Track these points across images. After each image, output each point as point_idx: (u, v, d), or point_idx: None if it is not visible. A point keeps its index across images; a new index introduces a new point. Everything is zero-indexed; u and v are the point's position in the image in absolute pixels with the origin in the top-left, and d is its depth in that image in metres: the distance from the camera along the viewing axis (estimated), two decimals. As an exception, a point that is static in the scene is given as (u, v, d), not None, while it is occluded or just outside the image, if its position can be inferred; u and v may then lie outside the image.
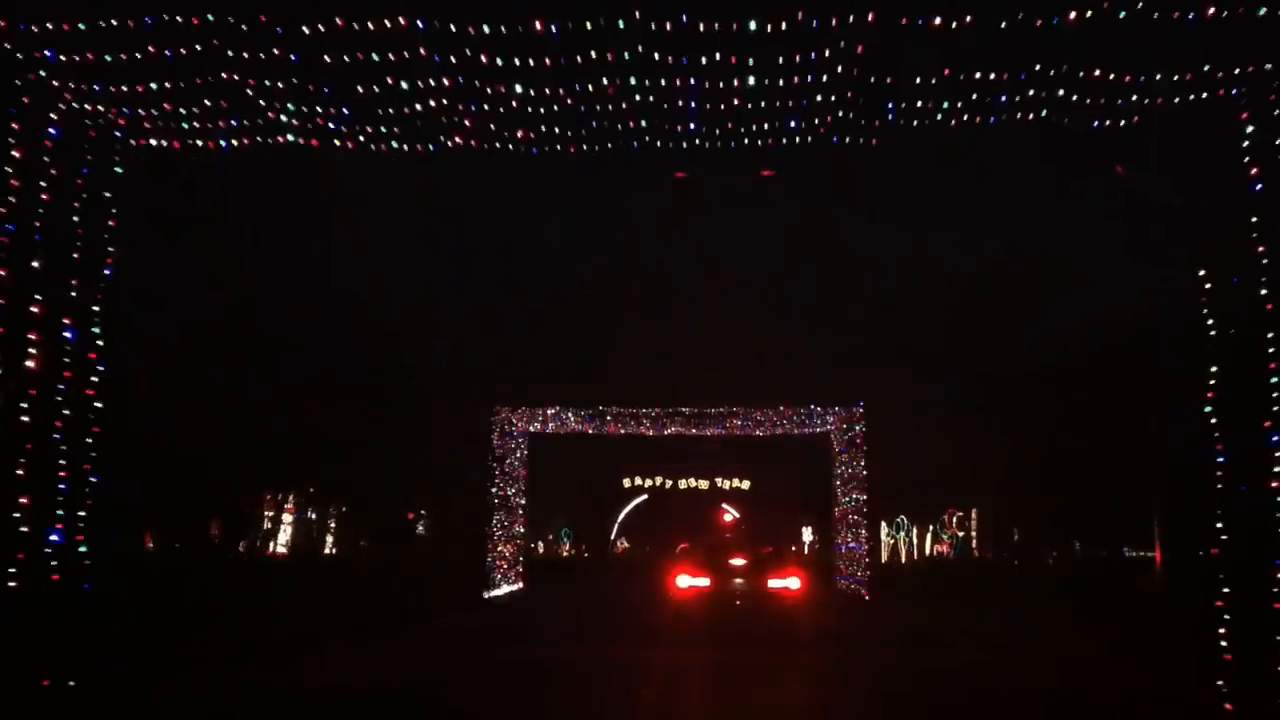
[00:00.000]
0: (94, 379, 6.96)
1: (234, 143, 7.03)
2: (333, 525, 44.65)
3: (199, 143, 7.02)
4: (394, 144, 7.12)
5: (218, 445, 29.20)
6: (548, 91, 6.42)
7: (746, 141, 7.05)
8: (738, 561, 15.78)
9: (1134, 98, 6.30)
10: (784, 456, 40.79)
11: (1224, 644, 6.74)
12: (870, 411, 22.58)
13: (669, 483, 51.18)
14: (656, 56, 5.98)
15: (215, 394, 27.65)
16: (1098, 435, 24.12)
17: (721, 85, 6.31)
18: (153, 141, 7.03)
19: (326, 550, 43.74)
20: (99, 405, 7.00)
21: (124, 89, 6.31)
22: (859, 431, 23.07)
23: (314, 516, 43.61)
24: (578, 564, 50.96)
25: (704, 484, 50.60)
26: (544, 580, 30.73)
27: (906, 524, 51.69)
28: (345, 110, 6.59)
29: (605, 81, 6.27)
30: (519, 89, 6.38)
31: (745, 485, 51.57)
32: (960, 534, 48.28)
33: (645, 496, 53.75)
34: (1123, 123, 6.65)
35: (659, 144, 7.17)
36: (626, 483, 52.32)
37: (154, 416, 27.28)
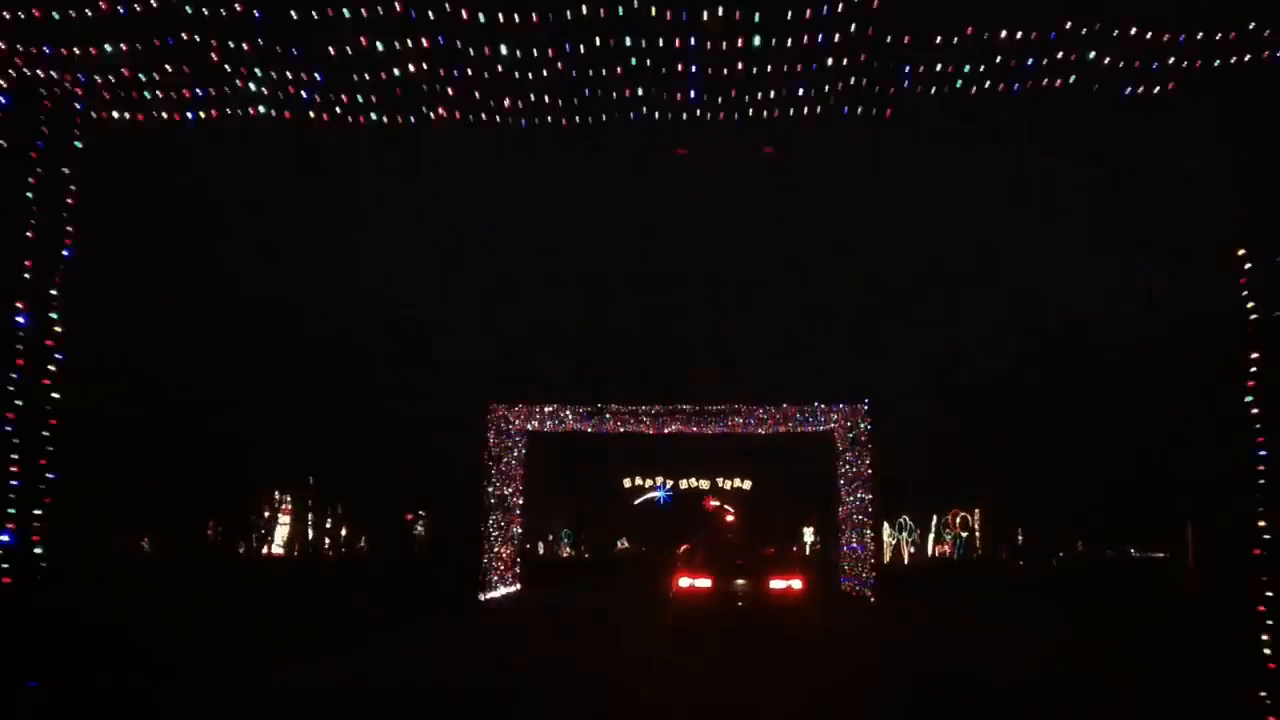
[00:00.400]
0: (51, 368, 6.51)
1: (200, 114, 6.48)
2: (329, 525, 44.27)
3: (163, 114, 6.49)
4: (372, 115, 6.57)
5: (215, 447, 28.75)
6: (535, 53, 5.94)
7: (751, 111, 6.51)
8: (739, 562, 15.53)
9: (1171, 60, 5.78)
10: (786, 456, 40.41)
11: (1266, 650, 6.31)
12: (876, 409, 22.21)
13: (669, 482, 50.80)
14: (653, 11, 5.51)
15: (212, 394, 27.17)
16: (1113, 432, 23.65)
17: (725, 46, 5.80)
18: (114, 114, 6.50)
19: (323, 551, 43.35)
20: (56, 396, 6.56)
21: (78, 51, 5.77)
22: (864, 429, 22.73)
23: (311, 517, 43.24)
24: (578, 564, 50.63)
25: (705, 484, 50.23)
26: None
27: (909, 524, 51.26)
28: (318, 76, 6.09)
29: (599, 41, 5.81)
30: (504, 50, 5.90)
31: (746, 485, 51.21)
32: (964, 534, 47.81)
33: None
34: (1157, 89, 6.16)
35: (657, 114, 6.66)
36: (627, 483, 51.93)
37: (148, 417, 26.81)
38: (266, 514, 41.08)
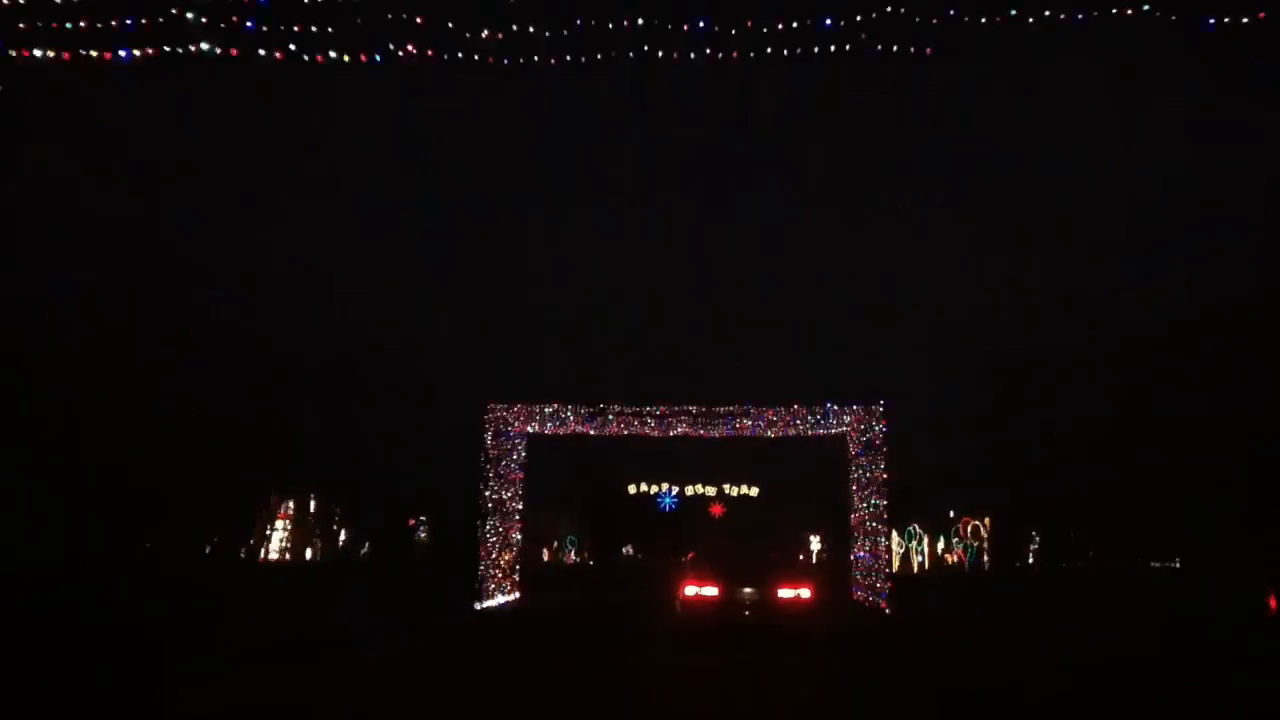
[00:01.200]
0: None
1: (135, 52, 5.64)
2: (323, 533, 43.95)
3: (92, 53, 5.70)
4: (331, 53, 5.78)
5: (213, 455, 28.43)
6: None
7: (769, 49, 5.88)
8: (747, 570, 15.14)
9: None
10: (793, 463, 39.86)
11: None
12: (892, 409, 20.75)
13: (674, 488, 50.33)
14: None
15: (208, 401, 26.90)
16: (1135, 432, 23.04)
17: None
18: (37, 52, 5.69)
19: (320, 556, 42.96)
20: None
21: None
22: (878, 432, 21.20)
23: (313, 520, 42.87)
24: (582, 570, 50.18)
25: (711, 490, 49.75)
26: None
27: (918, 532, 50.67)
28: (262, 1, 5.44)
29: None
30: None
31: (754, 492, 50.76)
32: (975, 543, 47.14)
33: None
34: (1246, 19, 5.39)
35: (660, 53, 6.03)
36: (632, 489, 51.44)
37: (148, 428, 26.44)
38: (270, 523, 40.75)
